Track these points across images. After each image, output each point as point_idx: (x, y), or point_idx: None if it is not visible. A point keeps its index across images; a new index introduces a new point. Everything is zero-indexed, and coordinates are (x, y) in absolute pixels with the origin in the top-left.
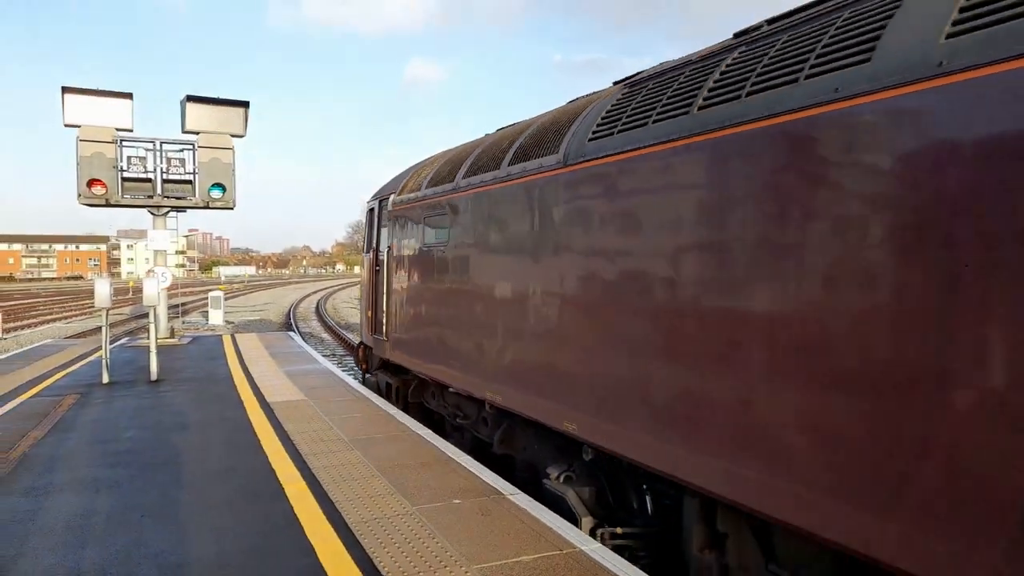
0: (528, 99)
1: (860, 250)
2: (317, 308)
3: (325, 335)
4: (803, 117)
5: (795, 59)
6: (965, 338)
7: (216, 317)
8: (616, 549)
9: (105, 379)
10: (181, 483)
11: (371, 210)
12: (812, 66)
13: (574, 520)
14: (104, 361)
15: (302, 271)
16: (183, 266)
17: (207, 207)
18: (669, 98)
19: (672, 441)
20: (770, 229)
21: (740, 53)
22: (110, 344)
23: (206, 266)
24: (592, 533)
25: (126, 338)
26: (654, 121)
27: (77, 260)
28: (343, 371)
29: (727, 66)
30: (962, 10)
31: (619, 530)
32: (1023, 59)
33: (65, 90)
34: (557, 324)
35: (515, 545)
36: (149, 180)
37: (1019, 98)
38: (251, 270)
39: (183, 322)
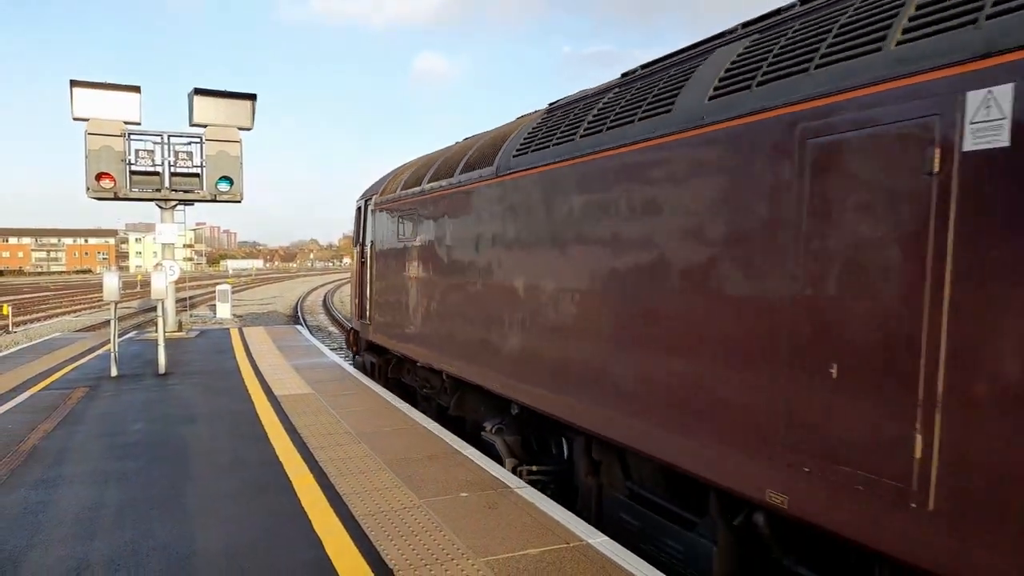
0: (538, 88)
1: (663, 247)
2: (324, 301)
3: (332, 328)
4: (636, 149)
5: (635, 106)
6: (714, 308)
7: (224, 310)
8: (532, 483)
9: (114, 372)
10: (189, 475)
11: (358, 209)
12: (644, 112)
13: (502, 463)
14: (113, 354)
15: (309, 264)
16: (191, 260)
17: (214, 200)
18: (566, 126)
19: (567, 395)
20: (612, 231)
21: (613, 94)
22: (119, 337)
23: (214, 260)
24: (514, 471)
25: (134, 331)
26: (554, 144)
27: (86, 254)
28: (350, 365)
29: (603, 104)
30: (715, 88)
31: (534, 468)
32: (737, 120)
33: (74, 83)
34: (490, 308)
35: (522, 538)
36: (157, 173)
37: (737, 143)
38: (258, 263)
39: (191, 315)
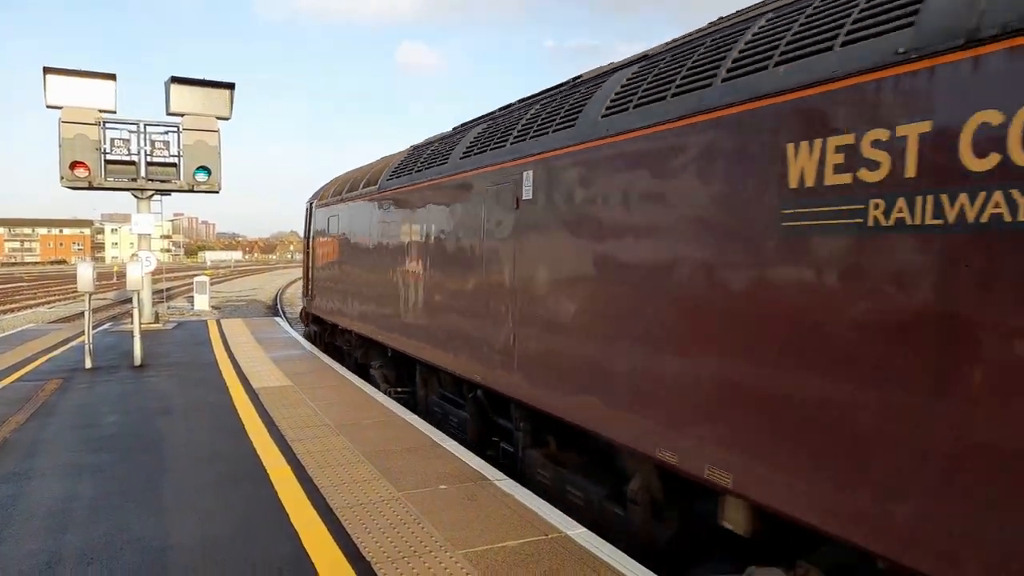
0: (520, 79)
1: (454, 242)
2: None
3: None
4: (453, 178)
5: (507, 132)
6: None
7: (202, 302)
8: (399, 400)
9: (88, 364)
10: (165, 468)
11: (307, 209)
12: (516, 136)
13: (379, 387)
14: (87, 346)
15: (289, 256)
16: (168, 251)
17: (192, 190)
18: (415, 161)
19: (409, 339)
20: (430, 231)
21: (437, 144)
22: (93, 329)
23: (192, 251)
24: (387, 392)
25: (110, 323)
26: (416, 171)
27: (61, 244)
28: (329, 357)
29: (434, 146)
30: (607, 108)
31: (399, 389)
32: (621, 136)
33: (47, 70)
34: (375, 287)
35: (501, 530)
36: (133, 163)
37: (624, 154)
38: (237, 255)
39: (168, 307)
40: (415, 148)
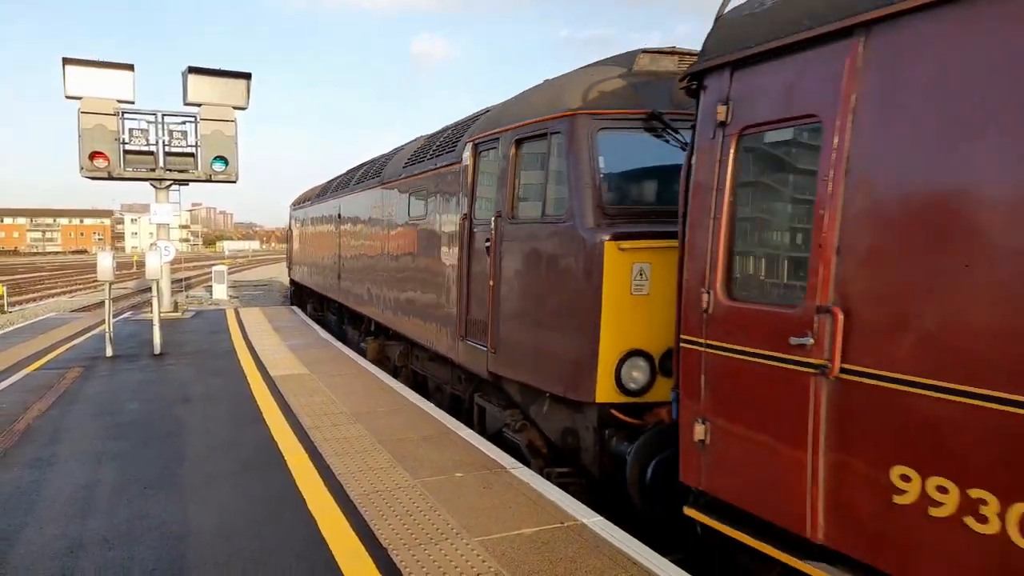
0: (533, 71)
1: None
2: None
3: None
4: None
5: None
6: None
7: (219, 291)
8: (312, 317)
9: (109, 352)
10: (184, 455)
11: (289, 211)
12: (359, 179)
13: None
14: (108, 334)
15: None
16: (187, 240)
17: (209, 180)
18: (323, 189)
19: (340, 293)
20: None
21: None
22: (114, 318)
23: (210, 241)
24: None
25: (130, 312)
26: (320, 197)
27: (81, 234)
28: (345, 346)
29: (335, 180)
30: (405, 163)
31: (319, 312)
32: (401, 180)
33: (66, 61)
34: (324, 262)
35: (516, 518)
36: (151, 153)
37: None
38: (255, 245)
39: (187, 296)
40: (327, 182)
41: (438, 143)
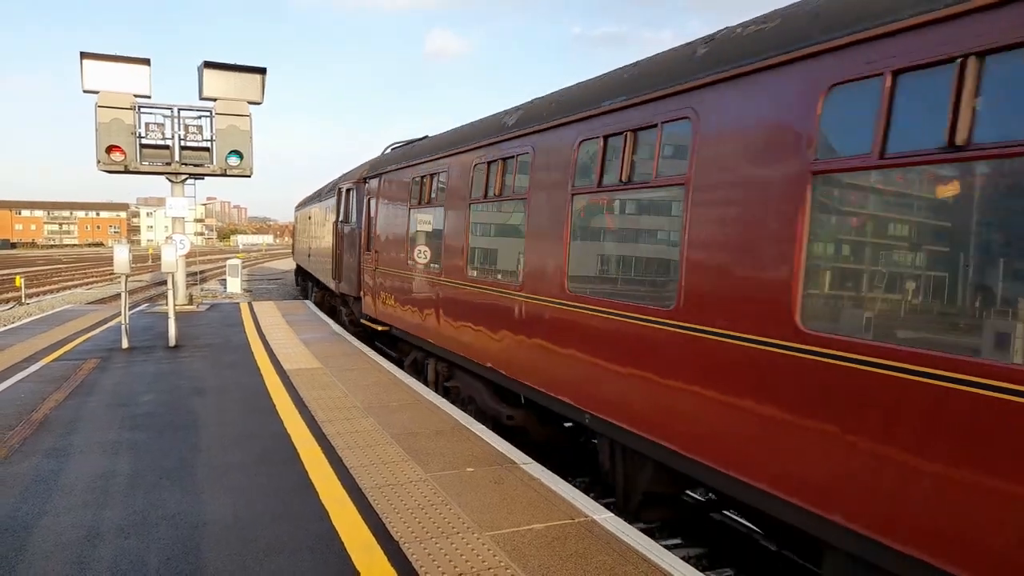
0: (546, 67)
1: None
2: None
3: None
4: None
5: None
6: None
7: (234, 285)
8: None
9: (125, 344)
10: (198, 447)
11: (294, 210)
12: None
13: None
14: (124, 327)
15: None
16: (202, 234)
17: (224, 174)
18: (311, 197)
19: (309, 266)
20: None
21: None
22: (129, 310)
23: (224, 235)
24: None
25: (146, 304)
26: (308, 202)
27: (98, 227)
28: (359, 340)
29: (320, 190)
30: (323, 194)
31: (308, 284)
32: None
33: (84, 56)
34: (309, 244)
35: (527, 513)
36: (167, 147)
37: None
38: (269, 239)
39: (201, 289)
40: (306, 197)
41: (328, 187)
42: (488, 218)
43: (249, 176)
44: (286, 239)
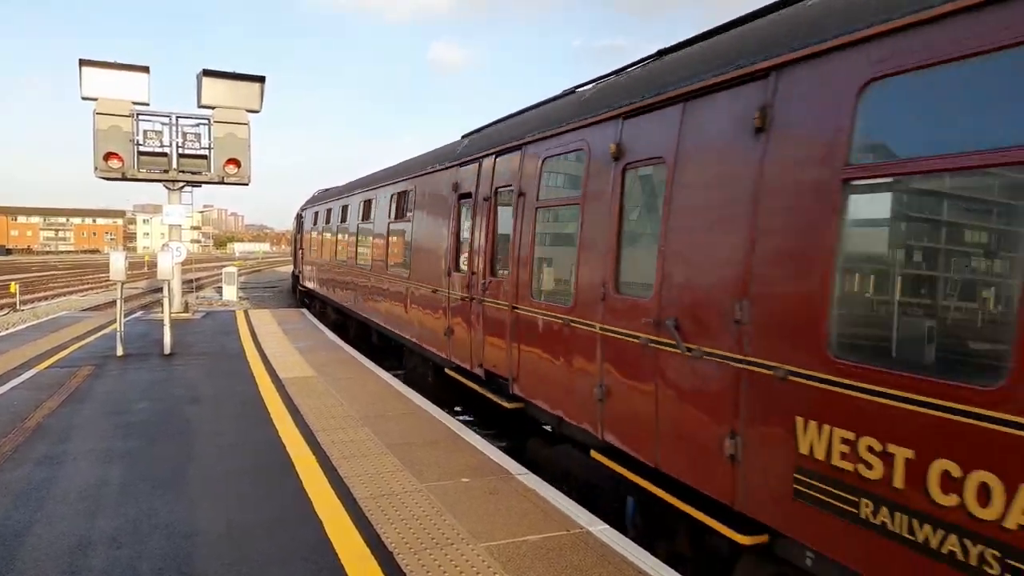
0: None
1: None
2: None
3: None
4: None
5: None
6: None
7: (230, 292)
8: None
9: (119, 352)
10: (192, 455)
11: (294, 217)
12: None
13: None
14: (119, 334)
15: None
16: (198, 242)
17: (222, 182)
18: (308, 202)
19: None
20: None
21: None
22: (125, 317)
23: (221, 242)
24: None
25: (141, 311)
26: (315, 204)
27: (94, 234)
28: (354, 349)
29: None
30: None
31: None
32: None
33: (83, 63)
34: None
35: (522, 524)
36: (165, 154)
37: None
38: (265, 247)
39: (197, 297)
40: (309, 201)
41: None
42: (365, 232)
43: (247, 184)
44: (283, 247)
